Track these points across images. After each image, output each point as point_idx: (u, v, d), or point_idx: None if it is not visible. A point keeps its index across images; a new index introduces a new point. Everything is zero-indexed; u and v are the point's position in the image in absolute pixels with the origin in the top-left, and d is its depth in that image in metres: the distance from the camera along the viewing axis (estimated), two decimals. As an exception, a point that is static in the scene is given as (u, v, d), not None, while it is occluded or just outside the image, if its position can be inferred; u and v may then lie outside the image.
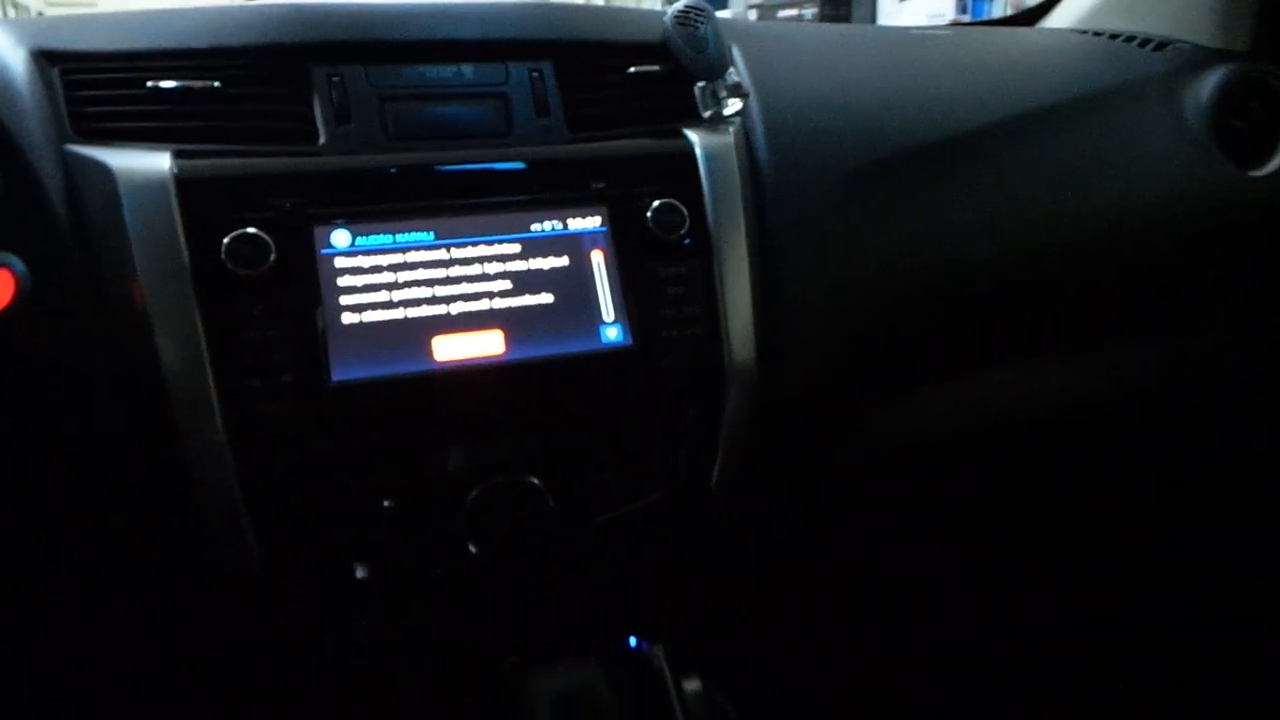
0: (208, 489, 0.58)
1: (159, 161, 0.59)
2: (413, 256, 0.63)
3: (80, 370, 0.58)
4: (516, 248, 0.66)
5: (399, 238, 0.63)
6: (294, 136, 0.63)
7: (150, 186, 0.58)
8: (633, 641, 0.75)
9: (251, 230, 0.59)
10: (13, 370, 0.57)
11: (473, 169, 0.66)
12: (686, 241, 0.69)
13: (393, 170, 0.64)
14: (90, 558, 0.66)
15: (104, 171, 0.59)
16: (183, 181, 0.59)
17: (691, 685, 0.83)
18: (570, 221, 0.67)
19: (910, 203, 0.80)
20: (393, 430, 0.61)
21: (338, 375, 0.59)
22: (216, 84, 0.62)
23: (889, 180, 0.79)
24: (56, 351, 0.58)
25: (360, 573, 0.63)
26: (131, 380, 0.57)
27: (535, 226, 0.66)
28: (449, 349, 0.62)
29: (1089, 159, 0.87)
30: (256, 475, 0.59)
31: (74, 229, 0.59)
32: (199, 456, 0.57)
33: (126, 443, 0.58)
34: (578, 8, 0.75)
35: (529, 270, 0.66)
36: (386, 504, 0.62)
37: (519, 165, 0.66)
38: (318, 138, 0.63)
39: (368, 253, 0.62)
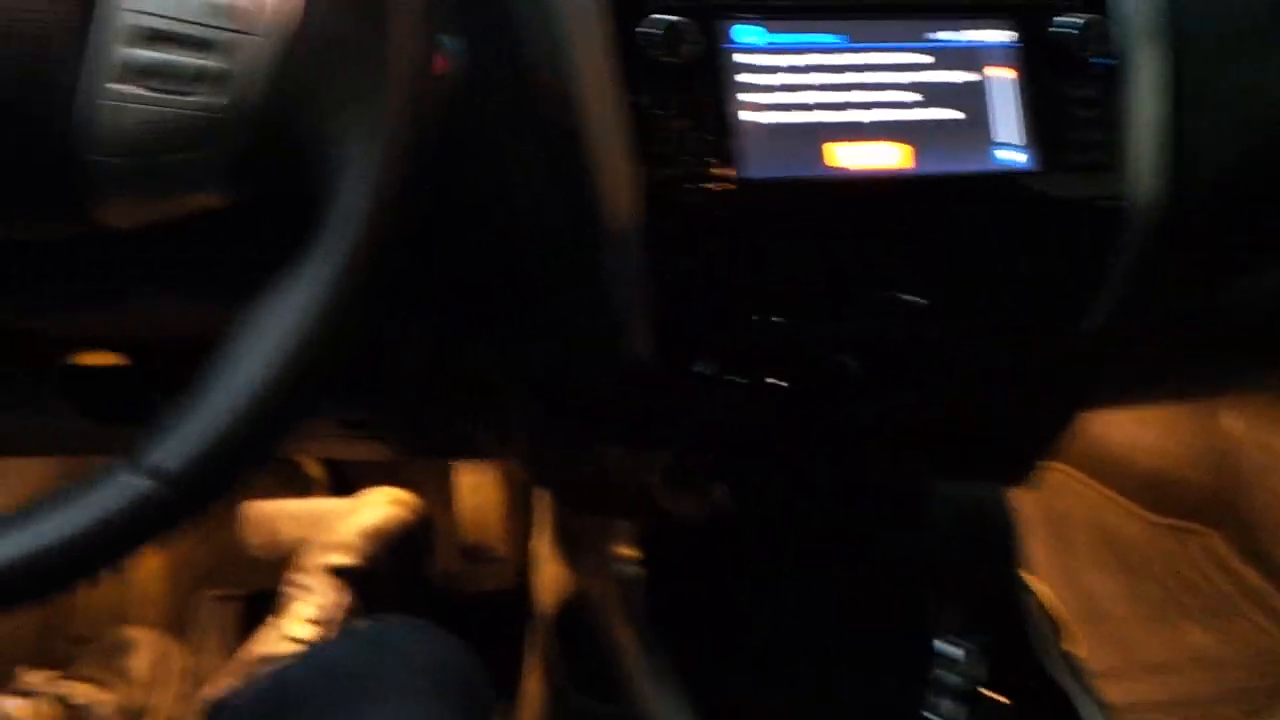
0: (617, 275, 0.60)
1: None
2: (818, 59, 0.61)
3: (509, 149, 0.60)
4: (921, 58, 0.63)
5: (808, 38, 0.61)
6: None
7: (574, -30, 0.59)
8: None
9: (671, 17, 0.59)
10: (448, 137, 0.60)
11: None
12: (1098, 61, 0.64)
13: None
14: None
15: None
16: None
17: None
18: (979, 33, 0.63)
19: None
20: (793, 231, 0.61)
21: (747, 171, 0.59)
22: None
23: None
24: (486, 127, 0.60)
25: (705, 370, 0.64)
26: (556, 163, 0.59)
27: (942, 36, 0.63)
28: (851, 156, 0.61)
29: None
30: (662, 265, 0.60)
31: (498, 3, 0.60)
32: (614, 242, 0.59)
33: (550, 221, 0.60)
34: None
35: (932, 82, 0.62)
36: (774, 304, 0.62)
37: None
38: None
39: (778, 51, 0.61)
